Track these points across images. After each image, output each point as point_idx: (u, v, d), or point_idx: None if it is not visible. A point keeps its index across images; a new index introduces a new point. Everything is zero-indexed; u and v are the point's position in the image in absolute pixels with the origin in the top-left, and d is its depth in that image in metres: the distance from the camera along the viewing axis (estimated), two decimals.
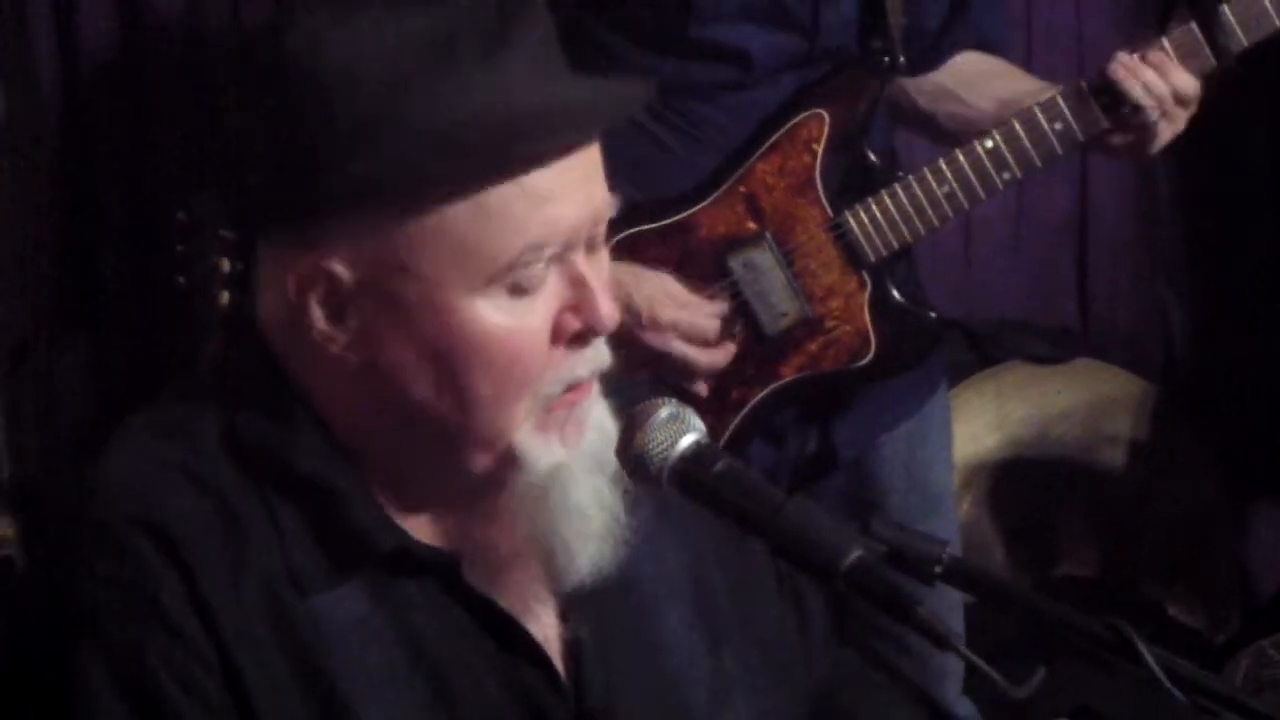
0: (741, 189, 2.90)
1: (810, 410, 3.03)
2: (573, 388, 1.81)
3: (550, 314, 1.78)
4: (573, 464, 1.81)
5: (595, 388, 1.85)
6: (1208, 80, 2.91)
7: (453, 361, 1.75)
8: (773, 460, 2.98)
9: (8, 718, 1.82)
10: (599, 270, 1.81)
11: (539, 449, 1.80)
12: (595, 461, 1.83)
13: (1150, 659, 1.62)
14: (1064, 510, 4.53)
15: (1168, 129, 2.90)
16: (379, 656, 1.79)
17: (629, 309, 2.82)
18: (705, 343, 2.87)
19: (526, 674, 1.86)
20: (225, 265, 3.31)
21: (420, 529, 1.85)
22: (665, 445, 1.77)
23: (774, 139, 2.90)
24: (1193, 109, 2.91)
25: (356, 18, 1.73)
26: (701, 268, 2.90)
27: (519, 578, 1.87)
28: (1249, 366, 4.68)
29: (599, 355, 1.82)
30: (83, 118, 3.74)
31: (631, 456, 1.78)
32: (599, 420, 1.85)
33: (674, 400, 1.80)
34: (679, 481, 1.77)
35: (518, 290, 1.75)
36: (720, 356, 2.89)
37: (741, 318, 2.92)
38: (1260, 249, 4.63)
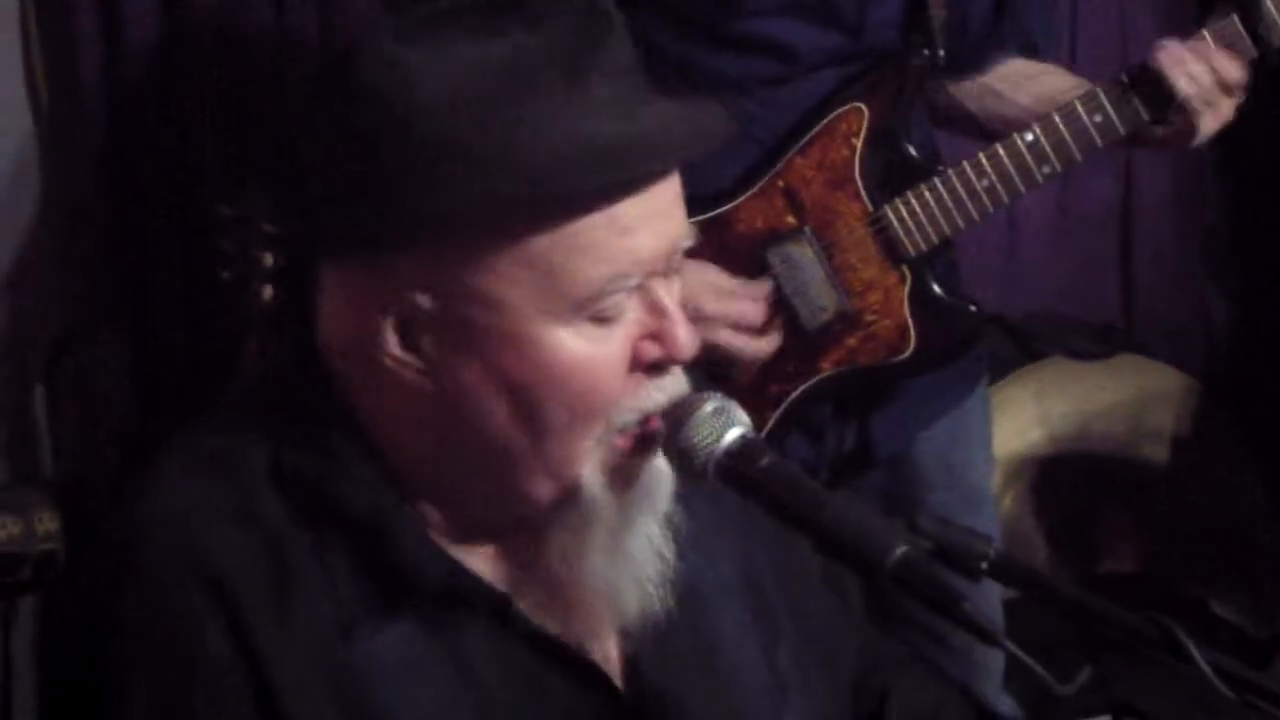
0: (780, 183, 2.90)
1: (849, 406, 3.02)
2: (648, 418, 1.79)
3: (629, 341, 1.76)
4: (626, 512, 1.80)
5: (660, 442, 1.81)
6: (1254, 70, 2.89)
7: (531, 390, 1.73)
8: (811, 456, 2.98)
9: (50, 709, 1.82)
10: (676, 295, 1.80)
11: (599, 489, 1.78)
12: (648, 504, 1.82)
13: (1197, 655, 1.61)
14: (1107, 507, 4.52)
15: (1212, 119, 2.87)
16: (432, 694, 1.77)
17: None
18: (752, 331, 2.87)
19: (587, 697, 1.85)
20: (268, 260, 3.31)
21: (473, 557, 1.83)
22: (711, 439, 1.76)
23: (813, 133, 2.90)
24: (1238, 98, 2.88)
25: (437, 43, 1.71)
26: (740, 262, 2.89)
27: (575, 599, 1.85)
28: None
29: (676, 383, 1.80)
30: (125, 113, 3.75)
31: (677, 450, 1.77)
32: (657, 466, 1.82)
33: (719, 394, 1.79)
34: (724, 475, 1.76)
35: (600, 319, 1.73)
36: (766, 345, 2.88)
37: (780, 312, 2.91)
38: None
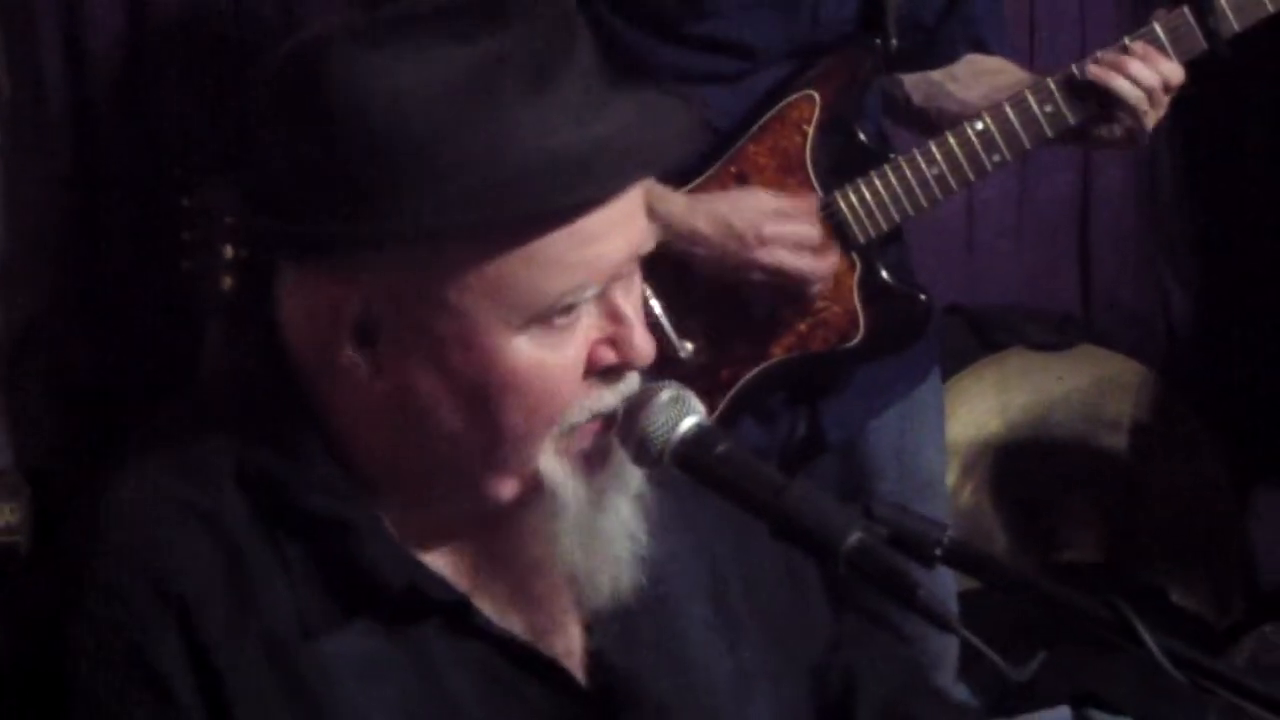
0: (733, 169, 2.91)
1: (800, 392, 3.03)
2: (599, 418, 1.78)
3: (585, 346, 1.75)
4: (596, 493, 1.79)
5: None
6: (1205, 66, 2.92)
7: (486, 397, 1.72)
8: (763, 442, 2.99)
9: (9, 702, 1.81)
10: (634, 300, 1.78)
11: (561, 474, 1.77)
12: (618, 483, 1.81)
13: (1149, 639, 1.62)
14: (1066, 496, 4.54)
15: (1153, 117, 2.90)
16: (393, 694, 1.76)
17: (733, 234, 2.84)
18: (813, 249, 2.88)
19: (550, 694, 1.84)
20: (229, 251, 3.32)
21: (434, 556, 1.82)
22: (667, 427, 1.76)
23: (765, 120, 2.91)
24: (1173, 95, 2.91)
25: (401, 47, 1.69)
26: None
27: (539, 593, 1.85)
28: (1251, 351, 4.68)
29: (629, 386, 1.79)
30: (87, 105, 3.75)
31: (634, 439, 1.77)
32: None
33: (675, 383, 1.79)
34: (681, 463, 1.76)
35: (553, 326, 1.72)
36: (828, 263, 2.90)
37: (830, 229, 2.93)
38: (1262, 234, 4.64)
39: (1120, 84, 2.86)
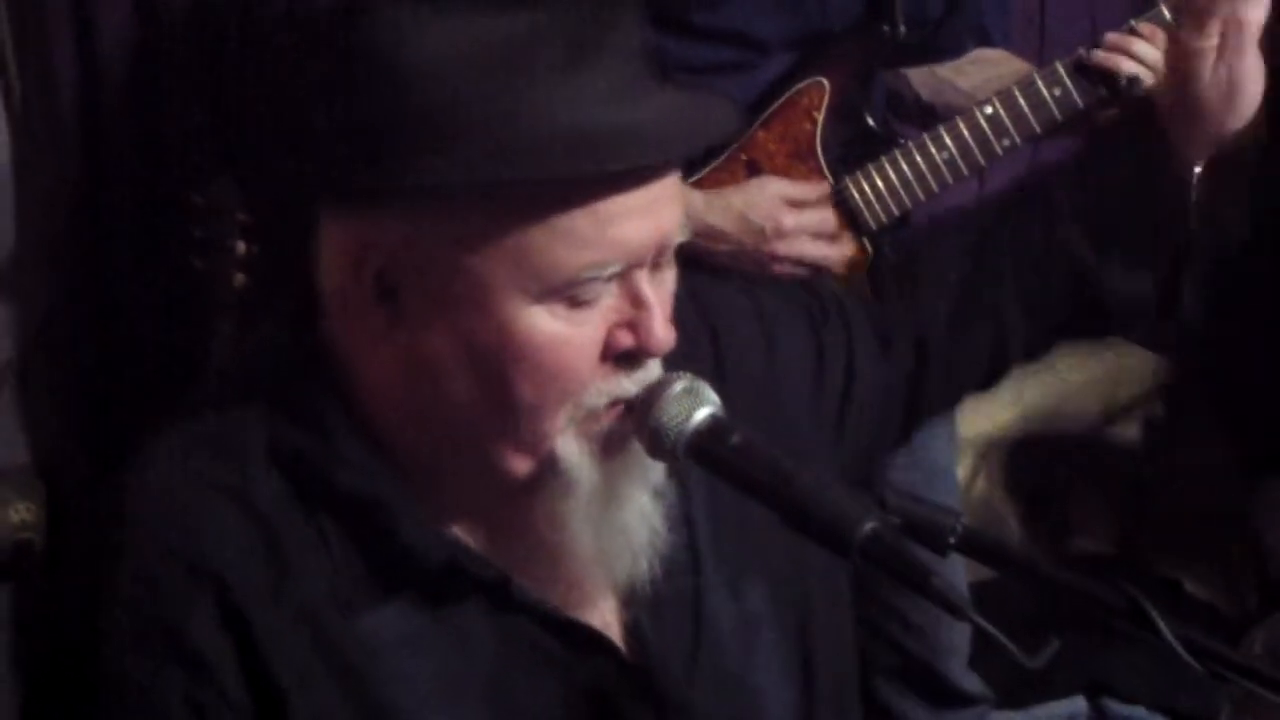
0: (744, 156, 2.92)
1: None
2: (618, 404, 1.79)
3: (605, 328, 1.76)
4: (615, 480, 1.80)
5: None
6: None
7: (497, 364, 1.73)
8: None
9: (32, 694, 1.83)
10: (662, 289, 1.79)
11: (577, 457, 1.78)
12: (639, 473, 1.82)
13: (1164, 626, 1.62)
14: (1078, 487, 4.54)
15: None
16: (433, 669, 1.78)
17: (751, 229, 2.85)
18: (831, 237, 2.89)
19: (593, 664, 1.85)
20: (240, 248, 3.32)
21: (469, 529, 1.84)
22: (681, 419, 1.77)
23: (775, 106, 2.91)
24: None
25: (443, 11, 1.71)
26: None
27: (573, 567, 1.85)
28: (1263, 341, 4.68)
29: (650, 376, 1.79)
30: (99, 102, 3.75)
31: (648, 431, 1.78)
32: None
33: (689, 374, 1.80)
34: (694, 454, 1.77)
35: (575, 303, 1.73)
36: (847, 247, 2.91)
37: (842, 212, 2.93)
38: (1272, 222, 4.63)
39: (1128, 65, 2.86)
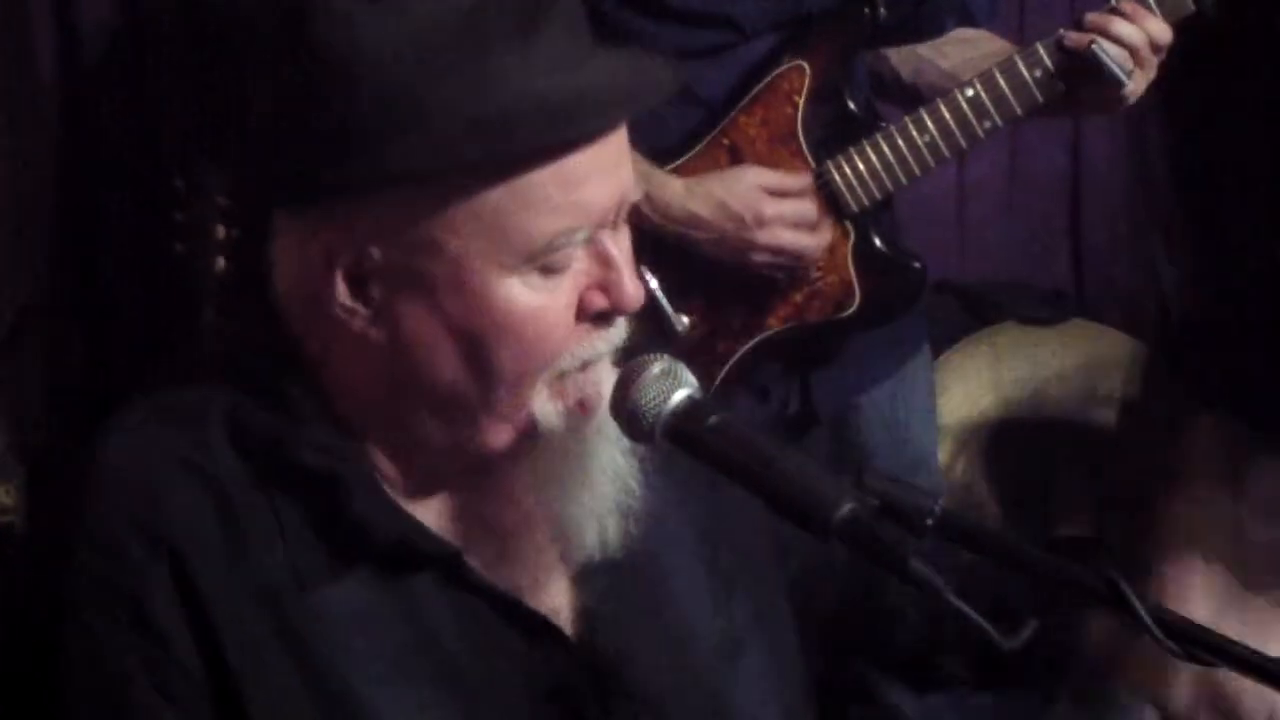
0: (725, 141, 2.92)
1: (793, 365, 3.04)
2: (589, 365, 1.81)
3: (576, 291, 1.78)
4: (584, 438, 1.81)
5: (609, 365, 1.83)
6: (1194, 31, 2.92)
7: (479, 339, 1.75)
8: (756, 417, 3.00)
9: (7, 681, 1.83)
10: (624, 246, 1.81)
11: (554, 417, 1.79)
12: (611, 432, 1.82)
13: (1139, 607, 1.62)
14: (1060, 472, 4.54)
15: (1142, 78, 2.91)
16: (385, 645, 1.79)
17: (731, 216, 2.85)
18: (809, 227, 2.89)
19: (540, 648, 1.86)
20: (221, 232, 3.32)
21: (426, 509, 1.85)
22: (658, 401, 1.77)
23: (756, 91, 2.92)
24: (1163, 56, 2.91)
25: None
26: None
27: (527, 549, 1.87)
28: (1245, 326, 4.68)
29: (618, 333, 1.82)
30: (79, 87, 3.75)
31: (625, 412, 1.79)
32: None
33: (666, 356, 1.80)
34: (672, 436, 1.78)
35: (548, 270, 1.75)
36: (825, 236, 2.91)
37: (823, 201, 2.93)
38: (1256, 207, 4.63)
39: (1105, 44, 2.86)
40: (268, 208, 1.81)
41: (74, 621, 1.74)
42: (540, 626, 1.86)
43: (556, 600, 1.90)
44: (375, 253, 1.74)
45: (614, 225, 1.79)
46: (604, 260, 1.78)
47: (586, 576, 1.89)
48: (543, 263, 1.74)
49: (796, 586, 2.13)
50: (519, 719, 1.85)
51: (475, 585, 1.83)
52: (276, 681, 1.75)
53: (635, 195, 1.81)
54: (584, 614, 1.90)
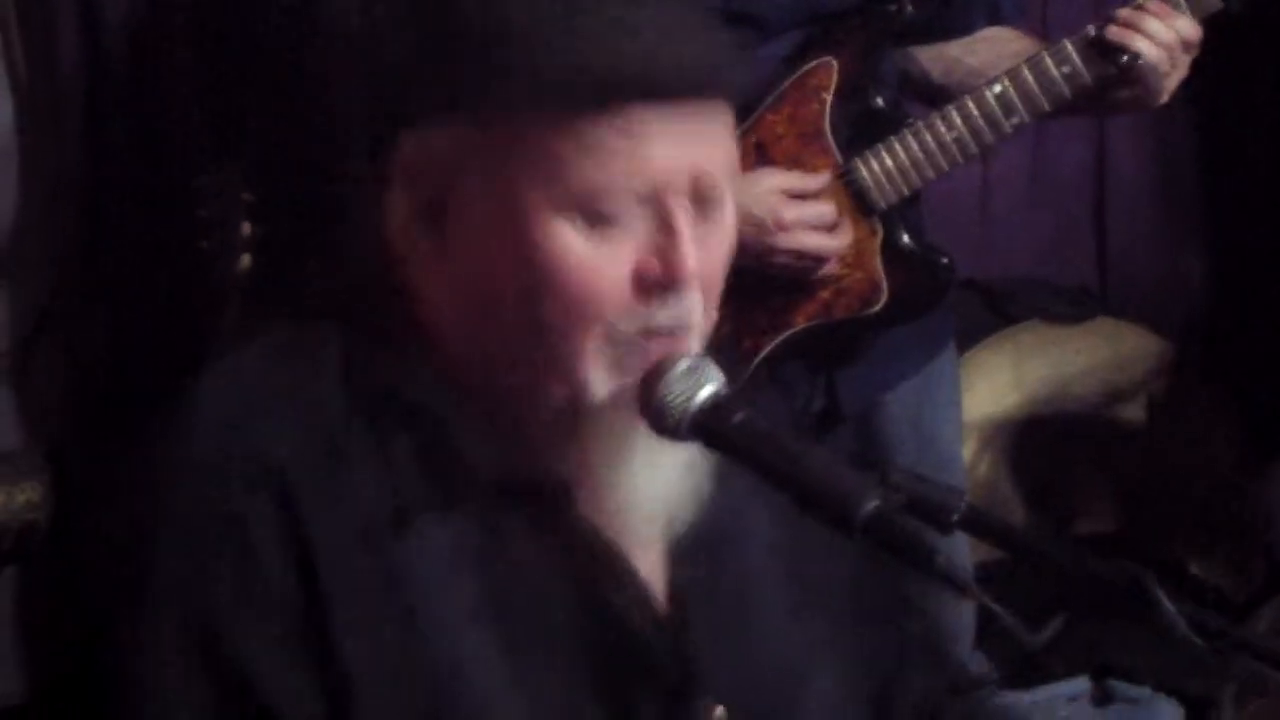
0: (752, 138, 2.92)
1: (819, 363, 3.04)
2: (652, 336, 1.79)
3: (634, 254, 1.77)
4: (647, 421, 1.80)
5: (688, 347, 1.81)
6: (1221, 32, 2.92)
7: (531, 284, 1.76)
8: (783, 413, 2.99)
9: (37, 674, 1.83)
10: (712, 233, 1.81)
11: (610, 387, 1.78)
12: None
13: (1167, 604, 1.62)
14: (1083, 469, 4.55)
15: (1174, 76, 2.90)
16: (480, 584, 1.79)
17: (751, 221, 2.84)
18: (831, 227, 2.89)
19: (629, 610, 1.86)
20: (246, 229, 3.33)
21: (526, 462, 1.84)
22: (684, 397, 1.76)
23: (783, 88, 2.92)
24: (1194, 54, 2.91)
25: None
26: None
27: (614, 509, 1.85)
28: (1269, 323, 4.68)
29: (685, 310, 1.79)
30: (103, 86, 3.75)
31: (651, 408, 1.78)
32: None
33: (693, 353, 1.80)
34: (698, 433, 1.77)
35: (599, 220, 1.75)
36: (846, 237, 2.91)
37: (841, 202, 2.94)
38: (1278, 203, 4.63)
39: (1140, 43, 2.85)
40: (383, 130, 1.85)
41: (165, 544, 1.75)
42: (633, 585, 1.86)
43: (650, 570, 1.88)
44: (449, 182, 1.78)
45: (698, 204, 1.78)
46: (666, 227, 1.77)
47: (675, 552, 1.88)
48: (595, 211, 1.74)
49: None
50: (596, 674, 1.84)
51: (578, 524, 1.83)
52: (367, 613, 1.75)
53: (722, 183, 1.80)
54: (671, 587, 1.90)
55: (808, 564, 2.01)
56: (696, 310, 1.80)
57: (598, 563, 1.84)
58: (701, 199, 1.79)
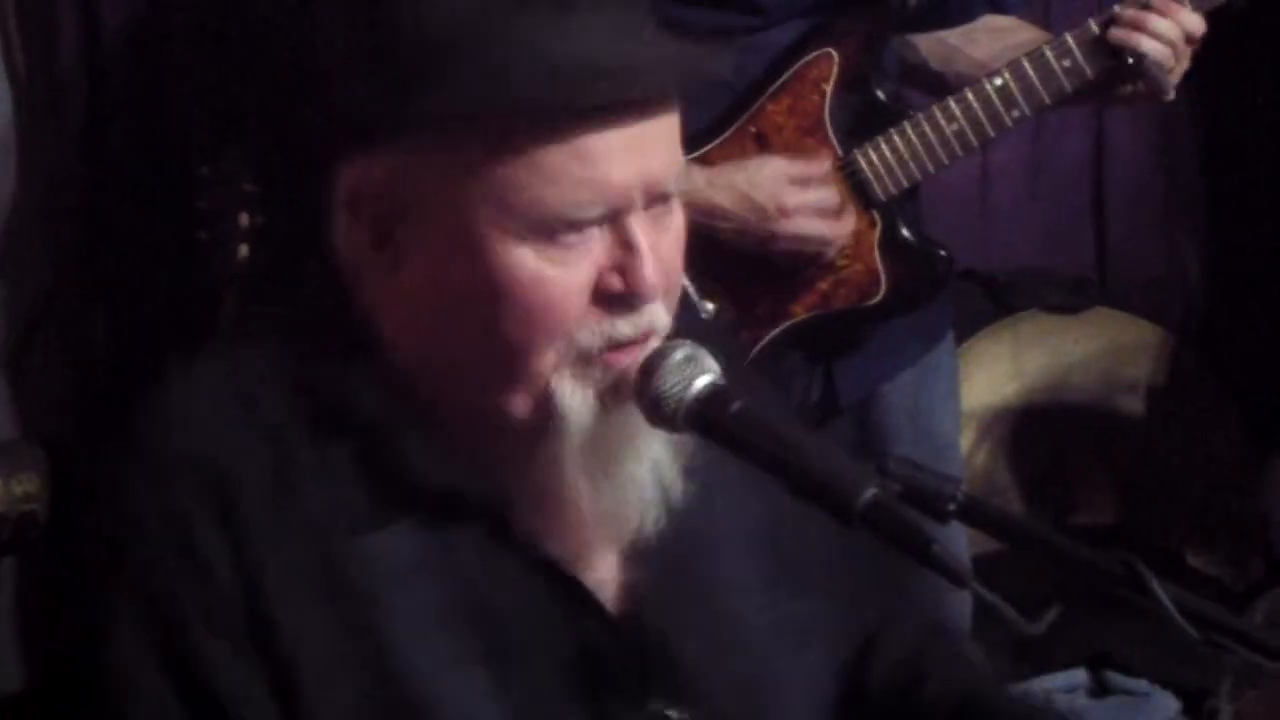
0: (752, 129, 2.91)
1: (817, 354, 3.04)
2: (616, 348, 1.79)
3: (594, 271, 1.76)
4: (618, 431, 1.80)
5: (650, 347, 1.81)
6: (1220, 22, 2.92)
7: (485, 302, 1.75)
8: (781, 404, 2.99)
9: (33, 662, 1.84)
10: (664, 236, 1.80)
11: (576, 403, 1.78)
12: (642, 426, 1.81)
13: (1160, 592, 1.62)
14: (1082, 459, 4.54)
15: (1178, 70, 2.90)
16: (426, 598, 1.79)
17: (753, 207, 2.85)
18: (832, 214, 2.90)
19: (581, 618, 1.86)
20: (245, 219, 3.33)
21: (475, 467, 1.84)
22: (680, 387, 1.77)
23: (784, 79, 2.91)
24: (1196, 47, 2.91)
25: None
26: None
27: (574, 521, 1.86)
28: (1267, 313, 4.68)
29: (647, 321, 1.79)
30: (102, 77, 3.75)
31: (648, 399, 1.78)
32: None
33: (690, 342, 1.80)
34: (694, 423, 1.77)
35: (558, 243, 1.74)
36: (849, 224, 2.92)
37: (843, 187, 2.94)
38: (1278, 195, 4.63)
39: (1146, 43, 2.85)
40: (327, 148, 1.83)
41: (121, 560, 1.77)
42: (581, 596, 1.86)
43: (602, 574, 1.89)
44: (396, 200, 1.77)
45: (649, 208, 1.78)
46: (625, 243, 1.77)
47: (634, 554, 1.88)
48: (549, 233, 1.73)
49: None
50: (553, 685, 1.84)
51: (520, 544, 1.83)
52: (312, 618, 1.76)
53: (670, 186, 1.80)
54: (629, 590, 1.90)
55: (782, 548, 2.01)
56: (660, 316, 1.81)
57: (542, 577, 1.84)
58: (653, 202, 1.79)
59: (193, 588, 1.74)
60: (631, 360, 1.79)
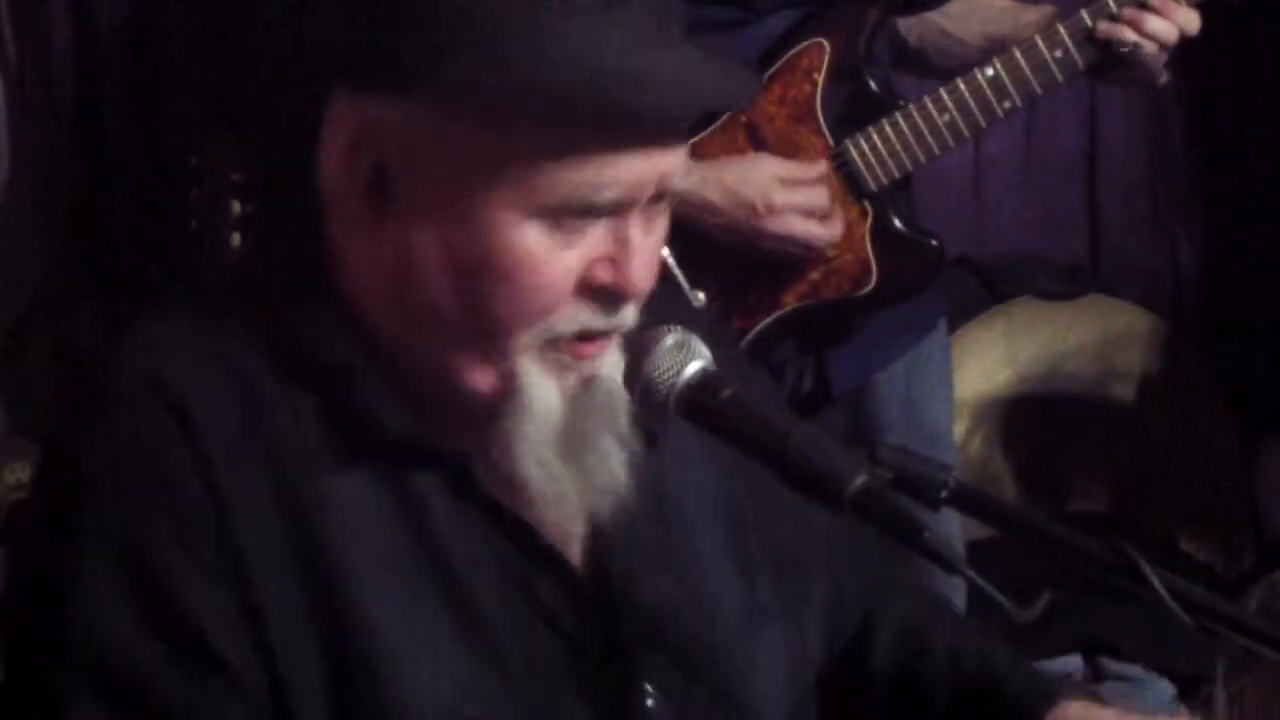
0: (743, 118, 2.91)
1: (808, 342, 3.04)
2: (586, 338, 1.79)
3: (586, 259, 1.76)
4: (576, 418, 1.80)
5: (613, 348, 1.82)
6: (1212, 12, 2.91)
7: (476, 271, 1.74)
8: (772, 391, 2.99)
9: (17, 651, 1.83)
10: (651, 235, 1.80)
11: (539, 383, 1.78)
12: (605, 418, 1.82)
13: (1153, 578, 1.62)
14: (1075, 446, 4.55)
15: (1164, 56, 2.91)
16: (385, 543, 1.79)
17: (743, 204, 2.86)
18: (822, 216, 2.90)
19: (543, 572, 1.85)
20: (237, 208, 3.33)
21: (437, 425, 1.83)
22: (671, 373, 1.77)
23: (775, 68, 2.91)
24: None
25: None
26: None
27: (544, 504, 1.84)
28: (1260, 300, 4.68)
29: (622, 319, 1.80)
30: (95, 67, 3.75)
31: (638, 384, 1.78)
32: (609, 381, 1.82)
33: (680, 328, 1.80)
34: (685, 409, 1.77)
35: (563, 226, 1.74)
36: (837, 227, 2.92)
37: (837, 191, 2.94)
38: (1271, 183, 4.63)
39: (1141, 40, 2.86)
40: (325, 84, 1.82)
41: (98, 493, 1.75)
42: (544, 550, 1.85)
43: (566, 526, 1.88)
44: (401, 154, 1.75)
45: (649, 204, 1.78)
46: (620, 239, 1.76)
47: (603, 523, 1.87)
48: (561, 217, 1.73)
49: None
50: (512, 637, 1.83)
51: (481, 496, 1.83)
52: (276, 562, 1.76)
53: (680, 182, 1.80)
54: (596, 555, 1.89)
55: (750, 527, 2.01)
56: (631, 316, 1.81)
57: (505, 528, 1.84)
58: (657, 198, 1.79)
59: (165, 501, 1.74)
60: (597, 352, 1.79)
